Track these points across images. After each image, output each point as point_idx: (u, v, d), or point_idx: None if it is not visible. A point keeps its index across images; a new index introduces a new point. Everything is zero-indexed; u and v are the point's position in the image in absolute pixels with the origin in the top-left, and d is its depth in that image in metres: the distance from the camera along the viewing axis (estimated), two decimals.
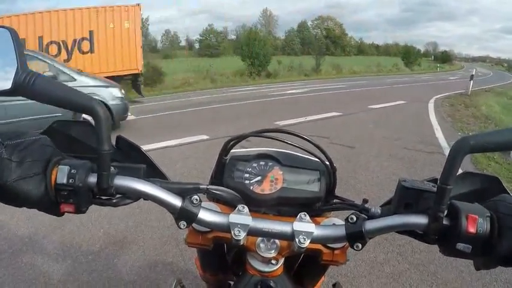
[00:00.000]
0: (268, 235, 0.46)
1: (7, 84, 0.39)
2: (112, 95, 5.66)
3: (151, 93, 12.75)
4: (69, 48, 9.60)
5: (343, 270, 1.99)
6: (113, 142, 0.49)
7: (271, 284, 0.51)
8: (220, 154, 0.59)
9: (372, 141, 4.95)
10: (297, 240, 0.44)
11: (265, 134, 0.55)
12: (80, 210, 0.44)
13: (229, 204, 0.52)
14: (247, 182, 0.57)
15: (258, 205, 0.56)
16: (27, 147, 0.42)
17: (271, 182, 0.57)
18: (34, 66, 4.96)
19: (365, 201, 0.50)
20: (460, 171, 0.51)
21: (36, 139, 0.44)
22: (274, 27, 73.26)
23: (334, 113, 7.37)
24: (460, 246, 0.41)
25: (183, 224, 0.45)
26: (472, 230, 0.40)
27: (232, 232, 0.44)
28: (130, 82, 10.51)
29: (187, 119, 7.41)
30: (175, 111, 8.55)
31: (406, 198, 0.45)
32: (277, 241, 0.50)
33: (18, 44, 0.40)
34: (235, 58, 29.44)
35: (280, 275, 0.53)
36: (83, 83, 5.42)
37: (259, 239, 0.50)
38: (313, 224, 0.45)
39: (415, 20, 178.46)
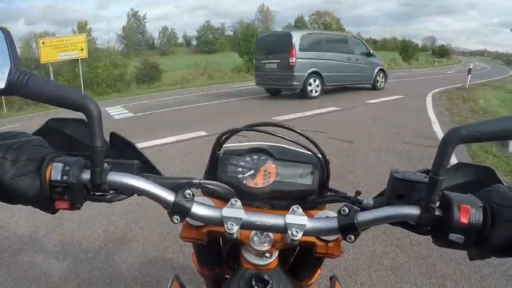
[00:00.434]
0: (261, 228, 0.46)
1: (1, 84, 0.39)
2: None
3: (147, 90, 12.70)
4: None
5: (342, 264, 2.00)
6: (107, 139, 0.49)
7: (266, 277, 0.51)
8: (213, 148, 0.59)
9: (370, 136, 4.96)
10: (289, 232, 0.44)
11: (257, 128, 0.55)
12: (74, 206, 0.44)
13: (223, 199, 0.52)
14: (240, 176, 0.57)
15: (252, 199, 0.56)
16: (21, 147, 0.43)
17: (264, 176, 0.57)
18: None
19: (358, 193, 0.50)
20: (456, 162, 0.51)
21: (30, 139, 0.45)
22: (272, 23, 72.74)
23: (332, 108, 7.38)
24: (453, 236, 0.41)
25: (176, 218, 0.45)
26: (464, 220, 0.40)
27: (226, 226, 0.45)
28: None
29: (184, 116, 7.40)
30: (172, 108, 8.54)
31: (398, 189, 0.45)
32: (270, 234, 0.50)
33: (12, 43, 0.40)
34: (232, 54, 29.33)
35: (275, 268, 0.53)
36: None
37: (253, 232, 0.50)
38: (306, 217, 0.46)
39: (414, 14, 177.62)
